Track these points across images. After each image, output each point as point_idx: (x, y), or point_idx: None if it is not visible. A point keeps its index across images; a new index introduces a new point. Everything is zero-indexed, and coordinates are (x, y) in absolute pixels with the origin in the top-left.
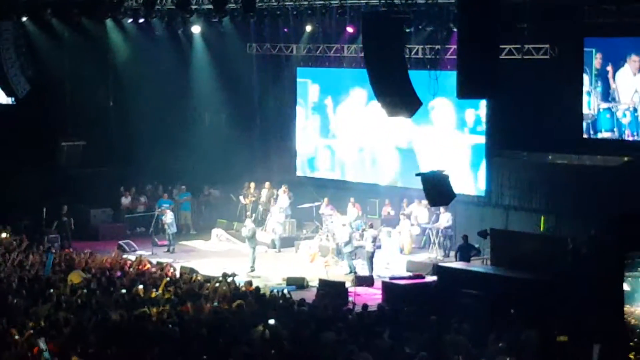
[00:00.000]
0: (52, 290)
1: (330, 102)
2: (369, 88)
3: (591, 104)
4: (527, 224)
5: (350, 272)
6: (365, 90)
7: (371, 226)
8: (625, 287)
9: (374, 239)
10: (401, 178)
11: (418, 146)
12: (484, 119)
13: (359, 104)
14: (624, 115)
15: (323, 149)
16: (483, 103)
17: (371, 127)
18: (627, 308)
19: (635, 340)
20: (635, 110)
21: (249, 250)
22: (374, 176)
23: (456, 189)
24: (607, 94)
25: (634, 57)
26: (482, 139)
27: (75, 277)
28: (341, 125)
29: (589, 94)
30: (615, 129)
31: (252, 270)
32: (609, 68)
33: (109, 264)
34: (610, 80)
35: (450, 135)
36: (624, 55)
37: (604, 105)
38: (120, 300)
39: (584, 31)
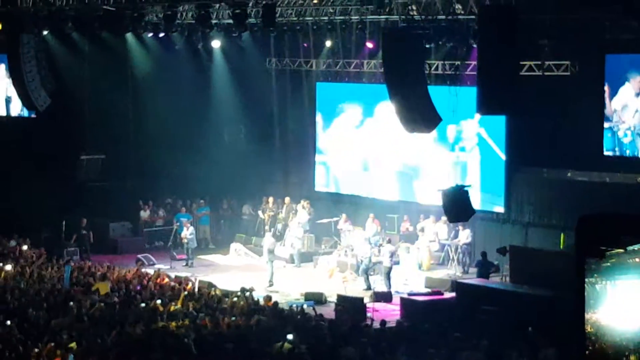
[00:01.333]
0: (71, 303)
1: (320, 119)
2: (364, 104)
3: None
4: (547, 241)
5: (368, 289)
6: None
7: (389, 242)
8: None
9: (392, 255)
10: (416, 193)
11: (421, 163)
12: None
13: (355, 120)
14: (625, 135)
15: (318, 165)
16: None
17: (374, 143)
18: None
19: (591, 348)
20: (635, 131)
21: (267, 264)
22: (386, 191)
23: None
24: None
25: (636, 77)
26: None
27: (103, 287)
28: (335, 141)
29: None
30: (616, 149)
31: (271, 285)
32: (606, 88)
33: (129, 278)
34: (607, 100)
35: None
36: (625, 74)
37: (606, 124)
38: (139, 313)
39: (605, 48)
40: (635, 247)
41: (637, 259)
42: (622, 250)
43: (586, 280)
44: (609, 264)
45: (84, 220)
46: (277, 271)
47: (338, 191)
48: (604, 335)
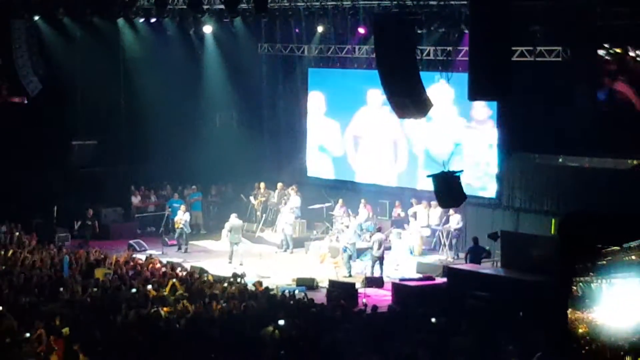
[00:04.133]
0: (62, 289)
1: (312, 105)
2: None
3: None
4: (538, 227)
5: (349, 275)
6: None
7: (379, 230)
8: (577, 292)
9: (380, 244)
10: (409, 179)
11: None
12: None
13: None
14: None
15: (310, 150)
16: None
17: (366, 128)
18: (578, 314)
19: (587, 348)
20: None
21: (230, 245)
22: (377, 177)
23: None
24: None
25: None
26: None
27: (99, 273)
28: (328, 127)
29: None
30: None
31: (230, 263)
32: None
33: (120, 263)
34: None
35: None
36: None
37: None
38: (130, 299)
39: (597, 34)
40: (632, 244)
41: (633, 257)
42: (618, 248)
43: (581, 279)
44: (604, 262)
45: (90, 210)
46: (269, 257)
47: (330, 177)
48: (599, 335)
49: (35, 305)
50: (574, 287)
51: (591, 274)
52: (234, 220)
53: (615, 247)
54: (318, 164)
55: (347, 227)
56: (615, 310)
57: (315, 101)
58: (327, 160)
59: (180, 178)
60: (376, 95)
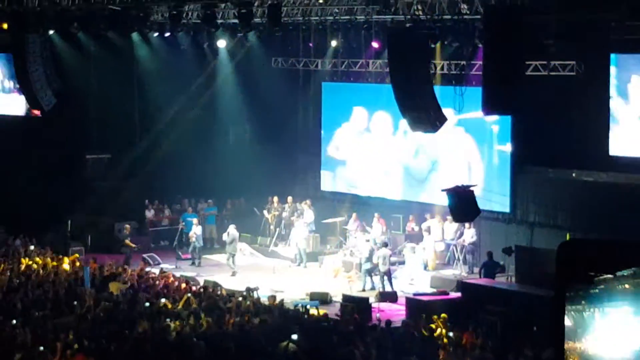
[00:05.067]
0: (75, 303)
1: (325, 119)
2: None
3: None
4: (552, 241)
5: (364, 289)
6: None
7: (385, 245)
8: (568, 322)
9: (385, 259)
10: (424, 193)
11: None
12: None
13: (361, 119)
14: None
15: (324, 165)
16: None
17: (380, 143)
18: (569, 344)
19: None
20: None
21: (228, 258)
22: (392, 191)
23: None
24: None
25: None
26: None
27: (114, 288)
28: (341, 141)
29: None
30: None
31: (233, 275)
32: None
33: (134, 277)
34: None
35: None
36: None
37: None
38: (144, 313)
39: (611, 48)
40: (625, 272)
41: (626, 285)
42: (611, 276)
43: (573, 307)
44: (597, 290)
45: (127, 226)
46: (283, 271)
47: (344, 191)
48: None
49: (49, 318)
50: (566, 316)
51: (583, 302)
52: (233, 231)
53: (608, 276)
54: (332, 178)
55: (367, 240)
56: (608, 340)
57: (328, 115)
58: (342, 175)
59: (194, 192)
60: (449, 115)
